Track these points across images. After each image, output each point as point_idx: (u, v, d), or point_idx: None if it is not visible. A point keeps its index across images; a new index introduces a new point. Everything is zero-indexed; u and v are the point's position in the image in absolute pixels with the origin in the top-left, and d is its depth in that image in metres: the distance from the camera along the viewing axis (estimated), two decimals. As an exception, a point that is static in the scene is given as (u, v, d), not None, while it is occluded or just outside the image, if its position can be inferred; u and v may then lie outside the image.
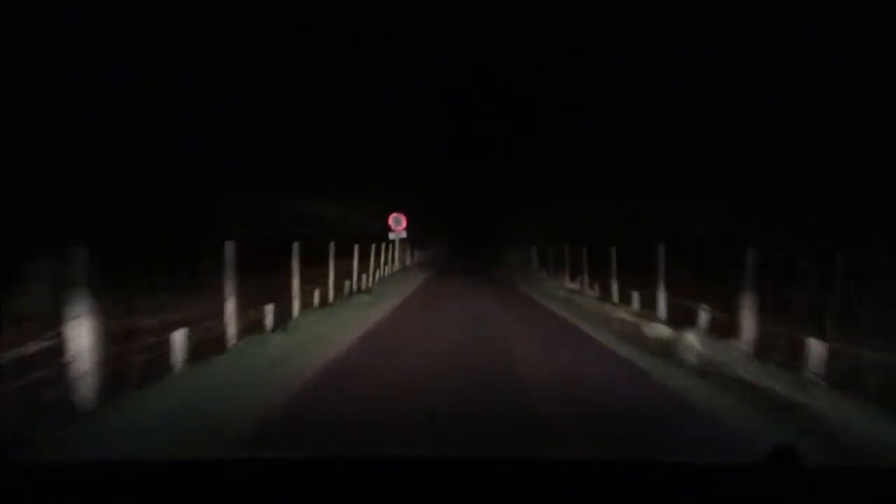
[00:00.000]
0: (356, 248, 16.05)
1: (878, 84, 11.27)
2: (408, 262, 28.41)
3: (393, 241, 21.70)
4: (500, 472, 1.53)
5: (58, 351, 4.90)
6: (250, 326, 8.84)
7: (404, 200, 21.60)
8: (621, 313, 10.92)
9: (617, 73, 20.19)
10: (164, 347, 6.48)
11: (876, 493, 1.42)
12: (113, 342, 5.59)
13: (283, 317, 9.97)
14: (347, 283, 14.91)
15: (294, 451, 2.31)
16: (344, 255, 15.15)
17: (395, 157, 27.15)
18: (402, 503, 1.40)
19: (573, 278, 17.76)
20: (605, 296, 14.01)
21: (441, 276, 23.54)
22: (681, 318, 9.41)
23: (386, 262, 21.91)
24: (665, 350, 7.95)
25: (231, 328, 8.17)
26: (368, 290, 15.84)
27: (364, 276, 16.85)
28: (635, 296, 11.94)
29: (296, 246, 10.90)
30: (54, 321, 4.93)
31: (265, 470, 1.55)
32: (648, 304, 11.25)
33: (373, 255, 18.56)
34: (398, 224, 21.17)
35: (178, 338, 6.68)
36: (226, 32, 16.16)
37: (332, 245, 13.50)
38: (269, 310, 9.41)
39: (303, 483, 1.46)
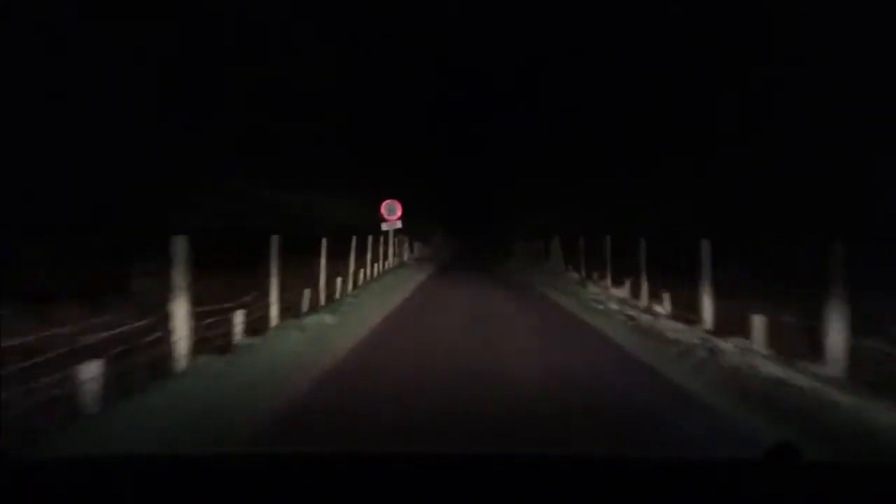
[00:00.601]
0: (324, 242, 11.25)
1: (877, 84, 11.34)
2: (405, 257, 24.82)
3: (386, 233, 18.44)
4: (502, 469, 1.54)
5: None
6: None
7: (405, 199, 19.61)
8: (769, 365, 5.96)
9: (617, 73, 20.70)
10: None
11: (876, 490, 1.42)
12: None
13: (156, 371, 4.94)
14: (307, 292, 9.89)
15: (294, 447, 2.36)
16: (338, 254, 12.19)
17: (394, 156, 27.25)
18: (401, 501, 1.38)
19: (617, 283, 12.95)
20: (688, 315, 8.62)
21: (442, 277, 19.53)
22: (872, 372, 5.17)
23: (376, 260, 17.35)
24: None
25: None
26: (340, 302, 11.15)
27: (340, 278, 12.23)
28: (757, 322, 6.92)
29: (179, 242, 5.71)
30: None
31: (264, 467, 1.56)
32: (777, 336, 6.61)
33: (353, 253, 13.82)
34: (392, 213, 17.95)
35: None
36: (226, 31, 16.65)
37: (274, 239, 8.44)
38: (93, 369, 4.36)
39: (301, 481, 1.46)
